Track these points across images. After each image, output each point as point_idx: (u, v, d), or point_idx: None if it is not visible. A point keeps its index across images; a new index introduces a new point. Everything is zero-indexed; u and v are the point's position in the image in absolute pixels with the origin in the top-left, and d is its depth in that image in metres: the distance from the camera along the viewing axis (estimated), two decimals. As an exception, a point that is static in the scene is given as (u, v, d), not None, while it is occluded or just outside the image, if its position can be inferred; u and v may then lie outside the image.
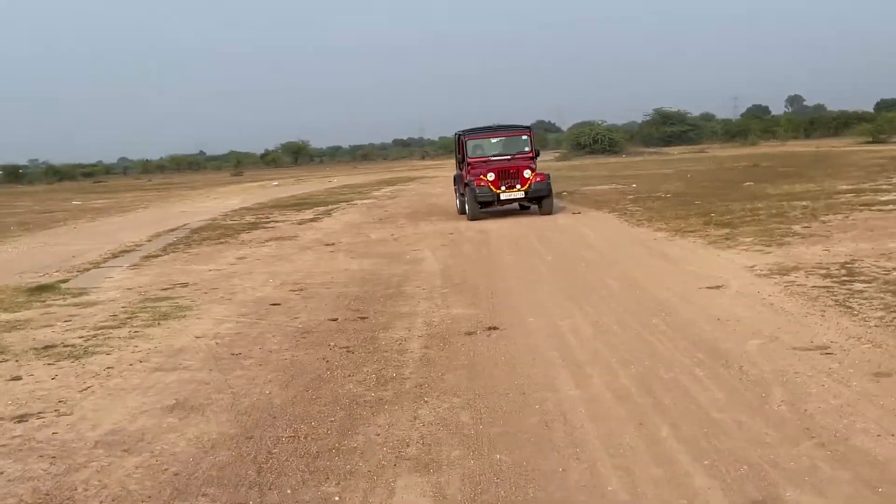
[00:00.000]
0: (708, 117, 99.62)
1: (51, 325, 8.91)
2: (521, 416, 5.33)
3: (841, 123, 76.62)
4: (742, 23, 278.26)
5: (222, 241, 17.31)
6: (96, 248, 16.96)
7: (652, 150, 69.74)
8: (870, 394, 5.25)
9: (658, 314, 7.87)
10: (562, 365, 6.45)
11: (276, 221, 21.64)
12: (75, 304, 10.19)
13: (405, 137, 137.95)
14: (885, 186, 19.47)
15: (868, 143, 53.84)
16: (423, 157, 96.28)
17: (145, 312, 9.36)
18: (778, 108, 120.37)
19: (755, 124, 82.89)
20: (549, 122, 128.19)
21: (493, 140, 20.70)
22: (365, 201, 28.53)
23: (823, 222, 13.43)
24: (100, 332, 8.42)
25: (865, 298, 7.77)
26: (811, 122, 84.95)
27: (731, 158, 43.11)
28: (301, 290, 10.50)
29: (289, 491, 4.35)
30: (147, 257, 14.99)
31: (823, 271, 9.22)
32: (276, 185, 46.68)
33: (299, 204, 28.31)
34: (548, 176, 19.22)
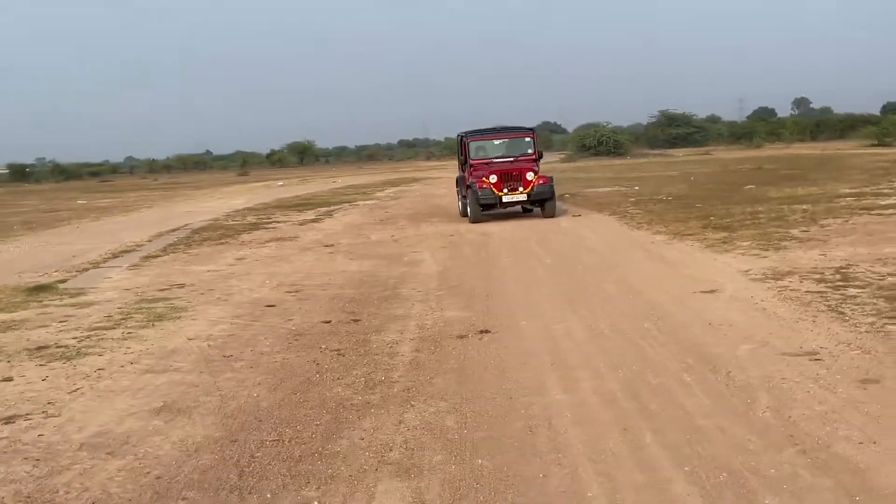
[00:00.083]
0: (714, 119, 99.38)
1: (46, 326, 8.94)
2: (506, 421, 5.33)
3: (847, 126, 76.46)
4: (749, 24, 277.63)
5: (223, 241, 17.34)
6: (98, 247, 16.99)
7: (657, 151, 69.61)
8: (855, 400, 5.24)
9: (651, 318, 7.87)
10: (551, 369, 6.46)
11: (278, 222, 21.67)
12: (72, 305, 10.22)
13: (410, 138, 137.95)
14: (886, 190, 19.41)
15: (873, 146, 53.68)
16: (428, 158, 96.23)
17: (140, 313, 9.38)
18: (784, 111, 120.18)
19: (761, 126, 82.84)
20: (555, 123, 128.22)
21: (496, 142, 20.57)
22: (367, 202, 28.55)
23: (822, 226, 13.40)
24: (94, 332, 8.45)
25: (858, 304, 7.75)
26: (817, 124, 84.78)
27: (735, 161, 43.02)
28: (297, 291, 10.51)
29: (268, 495, 4.36)
30: (147, 258, 15.02)
31: (818, 276, 9.20)
32: (281, 186, 46.70)
33: (302, 204, 28.33)
34: (551, 178, 19.08)
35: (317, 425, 5.42)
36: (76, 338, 8.24)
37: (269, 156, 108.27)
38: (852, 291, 8.30)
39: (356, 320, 8.60)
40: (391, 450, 4.93)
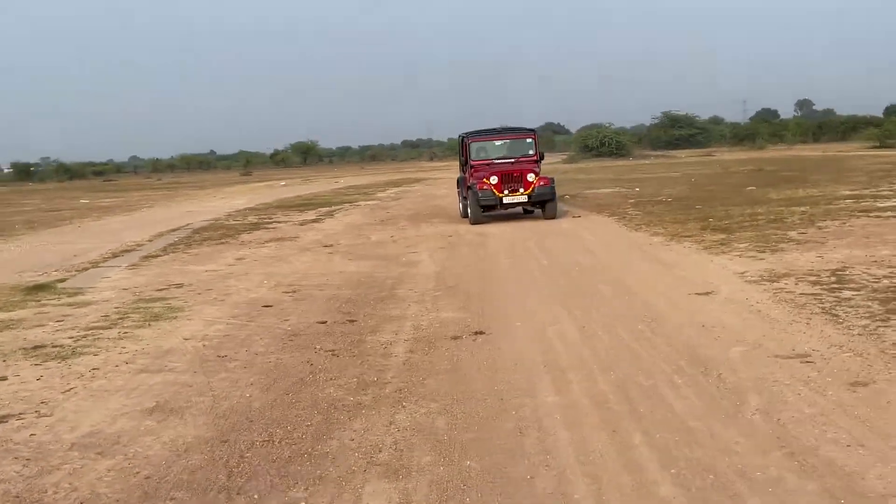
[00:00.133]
0: (717, 120, 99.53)
1: (43, 325, 8.97)
2: (496, 423, 5.35)
3: (849, 128, 76.40)
4: (753, 26, 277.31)
5: (223, 241, 17.37)
6: (98, 247, 17.04)
7: (659, 153, 69.62)
8: (845, 403, 5.25)
9: (645, 320, 7.88)
10: (544, 370, 6.47)
11: (279, 222, 21.70)
12: (70, 304, 10.24)
13: (414, 139, 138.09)
14: (886, 192, 19.39)
15: (875, 147, 53.63)
16: (431, 159, 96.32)
17: (137, 313, 9.40)
18: (787, 112, 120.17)
19: (763, 128, 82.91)
20: (558, 123, 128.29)
21: (497, 143, 20.53)
22: (369, 202, 28.59)
23: (820, 228, 13.39)
24: (90, 332, 8.47)
25: (852, 306, 7.75)
26: (819, 126, 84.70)
27: (737, 162, 43.03)
28: (295, 291, 10.53)
29: (256, 496, 4.38)
30: (146, 257, 15.05)
31: (814, 278, 9.20)
32: (284, 186, 46.79)
33: (303, 204, 28.37)
34: (552, 180, 19.01)
35: (307, 426, 5.43)
36: (72, 337, 8.27)
37: (272, 156, 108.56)
38: (847, 294, 8.31)
39: (352, 321, 8.61)
40: (380, 451, 4.94)
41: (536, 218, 19.01)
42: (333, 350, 7.39)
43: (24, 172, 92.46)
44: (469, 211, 19.02)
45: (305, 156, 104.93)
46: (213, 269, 12.96)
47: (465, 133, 20.95)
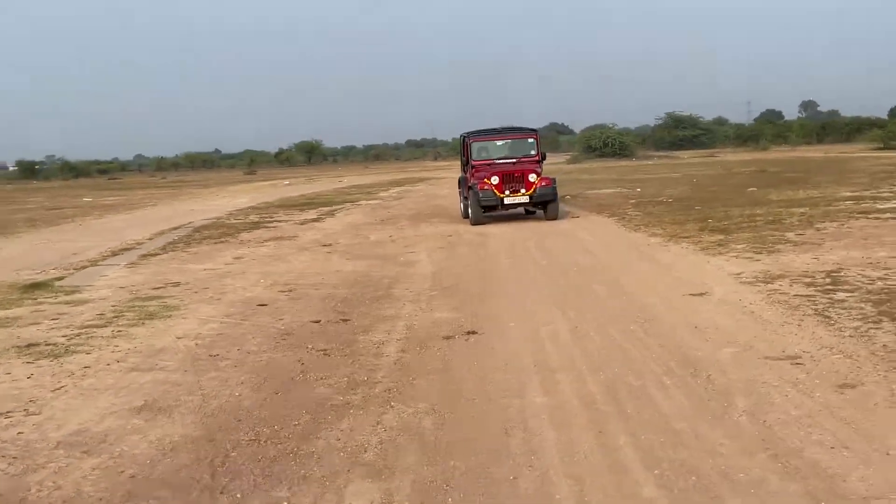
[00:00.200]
0: (721, 121, 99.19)
1: (38, 323, 8.99)
2: (483, 423, 5.35)
3: (853, 129, 76.12)
4: (757, 27, 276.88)
5: (222, 240, 17.39)
6: (99, 245, 17.07)
7: (662, 153, 69.50)
8: (831, 405, 5.24)
9: (638, 321, 7.87)
10: (534, 371, 6.47)
11: (279, 221, 21.72)
12: (66, 303, 10.26)
13: (418, 138, 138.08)
14: (886, 194, 19.35)
15: (879, 149, 53.47)
16: (435, 158, 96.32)
17: (132, 312, 9.42)
18: (792, 114, 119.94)
19: (768, 129, 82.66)
20: (562, 124, 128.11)
21: (499, 143, 20.36)
22: (370, 202, 28.59)
23: (818, 230, 13.37)
24: (84, 330, 8.49)
25: (845, 308, 7.74)
26: (823, 127, 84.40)
27: (740, 163, 42.95)
28: (290, 290, 10.54)
29: (238, 495, 4.38)
30: (145, 255, 15.08)
31: (808, 280, 9.19)
32: (287, 185, 46.82)
33: (305, 204, 28.39)
34: (553, 180, 18.82)
35: (295, 425, 5.44)
36: (66, 336, 8.28)
37: (277, 155, 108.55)
38: (841, 295, 8.29)
39: (346, 320, 8.62)
40: (366, 451, 4.94)
41: (537, 219, 18.95)
42: (325, 349, 7.40)
43: (28, 170, 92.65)
44: (470, 211, 18.89)
45: (310, 155, 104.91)
46: (211, 268, 12.97)
47: (467, 133, 20.83)
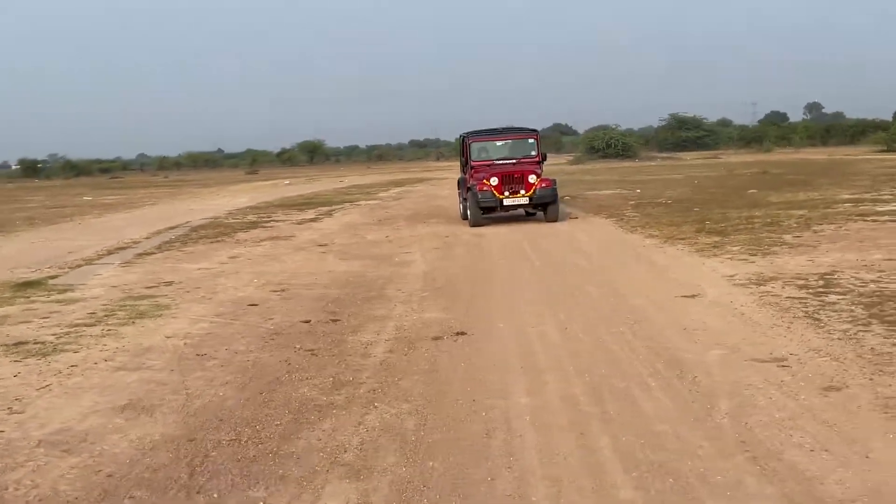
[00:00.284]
0: (725, 123, 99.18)
1: (28, 322, 8.98)
2: (465, 424, 5.33)
3: (857, 131, 75.93)
4: (761, 27, 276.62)
5: (219, 239, 17.39)
6: (96, 244, 17.08)
7: (665, 155, 69.40)
8: (814, 408, 5.22)
9: (628, 322, 7.85)
10: (520, 372, 6.45)
11: (277, 221, 21.72)
12: (58, 301, 10.26)
13: (421, 138, 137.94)
14: (886, 196, 19.30)
15: (882, 151, 53.34)
16: (438, 158, 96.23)
17: (123, 311, 9.41)
18: (796, 115, 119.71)
19: (771, 131, 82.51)
20: (566, 124, 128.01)
21: (499, 143, 20.11)
22: (369, 202, 28.58)
23: (815, 232, 13.34)
24: (73, 329, 8.48)
25: (836, 310, 7.71)
26: (827, 129, 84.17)
27: (742, 165, 42.91)
28: (283, 290, 10.53)
29: (215, 495, 4.37)
30: (141, 255, 15.08)
31: (801, 282, 9.16)
32: (288, 184, 46.84)
33: (304, 204, 28.38)
34: (554, 181, 18.54)
35: (277, 425, 5.43)
36: (55, 334, 8.28)
37: (279, 154, 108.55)
38: (832, 298, 8.26)
39: (335, 320, 8.60)
40: (346, 451, 4.93)
41: (536, 220, 18.81)
42: (313, 349, 7.38)
43: (31, 169, 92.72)
44: (469, 213, 18.68)
45: (312, 155, 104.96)
46: (205, 268, 12.97)
47: (467, 133, 20.62)
